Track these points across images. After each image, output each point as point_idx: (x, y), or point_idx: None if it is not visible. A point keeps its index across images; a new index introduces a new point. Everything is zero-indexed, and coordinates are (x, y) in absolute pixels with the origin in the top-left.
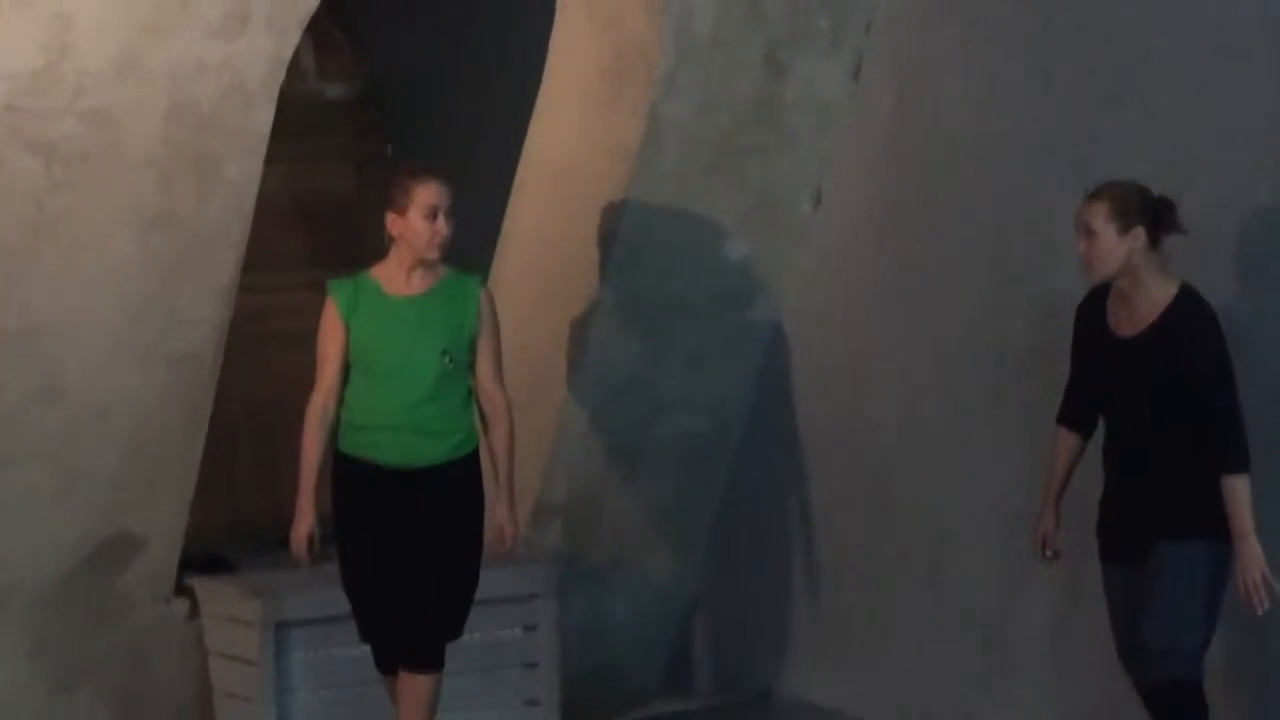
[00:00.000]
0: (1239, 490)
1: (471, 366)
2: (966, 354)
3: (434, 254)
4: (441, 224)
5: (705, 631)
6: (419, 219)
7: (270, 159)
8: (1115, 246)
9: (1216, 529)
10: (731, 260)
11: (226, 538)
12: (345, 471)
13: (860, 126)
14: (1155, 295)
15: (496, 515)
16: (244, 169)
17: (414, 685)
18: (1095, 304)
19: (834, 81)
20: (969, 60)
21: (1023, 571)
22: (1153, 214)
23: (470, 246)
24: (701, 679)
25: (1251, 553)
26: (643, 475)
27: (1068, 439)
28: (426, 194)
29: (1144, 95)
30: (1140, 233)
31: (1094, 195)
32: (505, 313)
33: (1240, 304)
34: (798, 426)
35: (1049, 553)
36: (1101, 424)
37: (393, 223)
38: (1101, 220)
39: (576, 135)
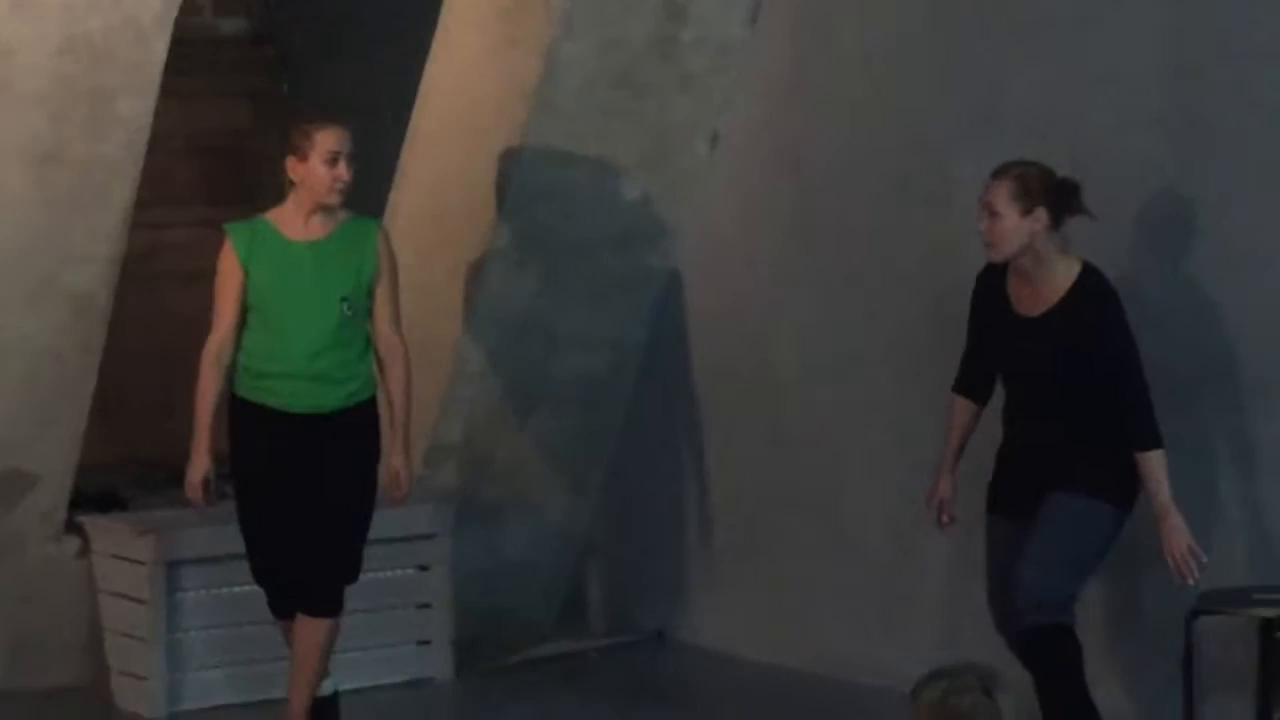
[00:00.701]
0: (1155, 465)
1: (369, 312)
2: (864, 296)
3: (335, 199)
4: (342, 169)
5: (600, 572)
6: (320, 164)
7: (164, 95)
8: (1017, 227)
9: (1112, 493)
10: (629, 201)
11: (119, 475)
12: (242, 416)
13: (758, 68)
14: (1057, 275)
15: (391, 461)
16: (137, 105)
17: (311, 630)
18: (995, 278)
19: (731, 23)
20: (867, 2)
21: (919, 514)
22: (1056, 196)
23: (366, 186)
24: (596, 619)
25: (1175, 526)
26: (539, 415)
27: (964, 407)
28: (327, 139)
29: (1044, 35)
30: (1043, 215)
31: (998, 175)
32: (402, 253)
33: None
34: (694, 367)
35: (945, 518)
36: (1002, 387)
37: (293, 168)
38: (1004, 201)
39: (474, 75)
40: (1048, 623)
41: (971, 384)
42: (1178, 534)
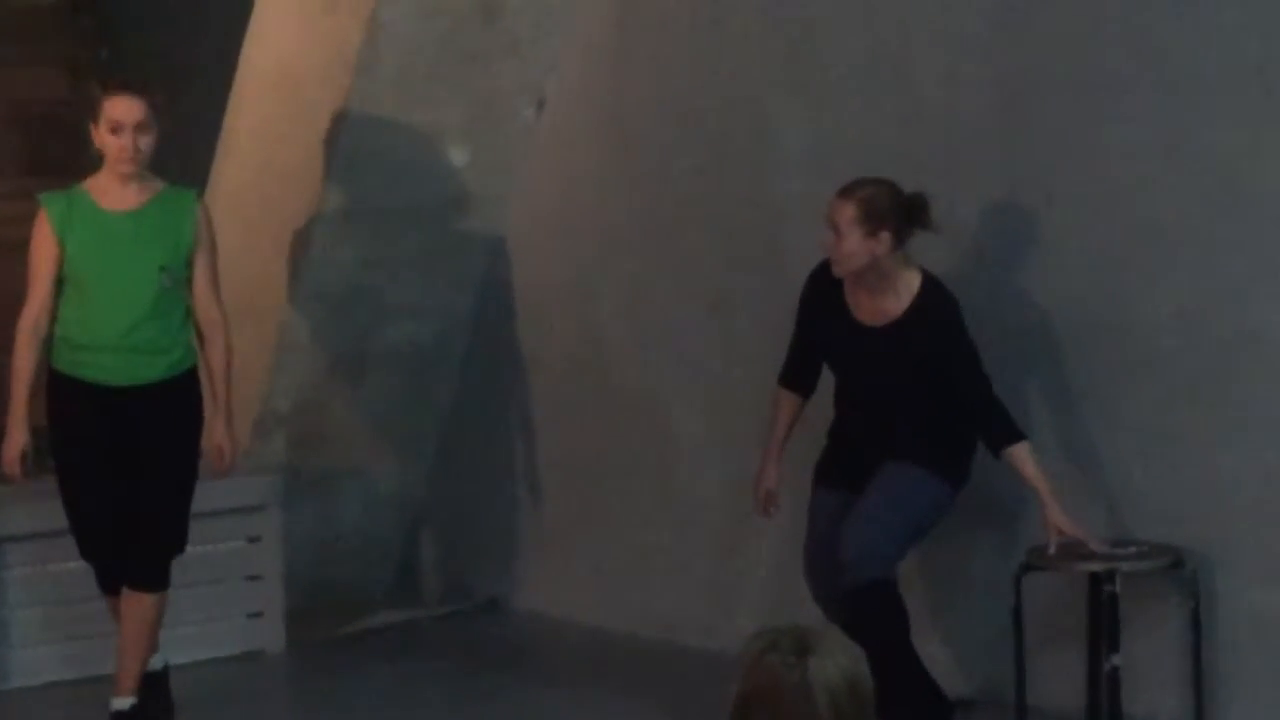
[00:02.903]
0: (1025, 458)
1: (189, 282)
2: (688, 259)
3: (126, 168)
4: (128, 140)
5: (433, 541)
6: (106, 133)
7: None
8: (859, 248)
9: (944, 467)
10: (455, 167)
11: None
12: (61, 390)
13: (583, 31)
14: (899, 288)
15: (214, 433)
16: None
17: (138, 604)
18: (831, 281)
19: None
20: None
21: (752, 477)
22: (903, 215)
23: (189, 153)
24: (429, 589)
25: (1058, 516)
26: (368, 384)
27: (789, 399)
28: (111, 108)
29: None
30: (887, 237)
31: (844, 194)
32: (225, 222)
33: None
34: (522, 334)
35: (771, 509)
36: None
37: (94, 135)
38: (848, 222)
39: (296, 41)
40: (869, 579)
41: (798, 378)
42: (1063, 523)
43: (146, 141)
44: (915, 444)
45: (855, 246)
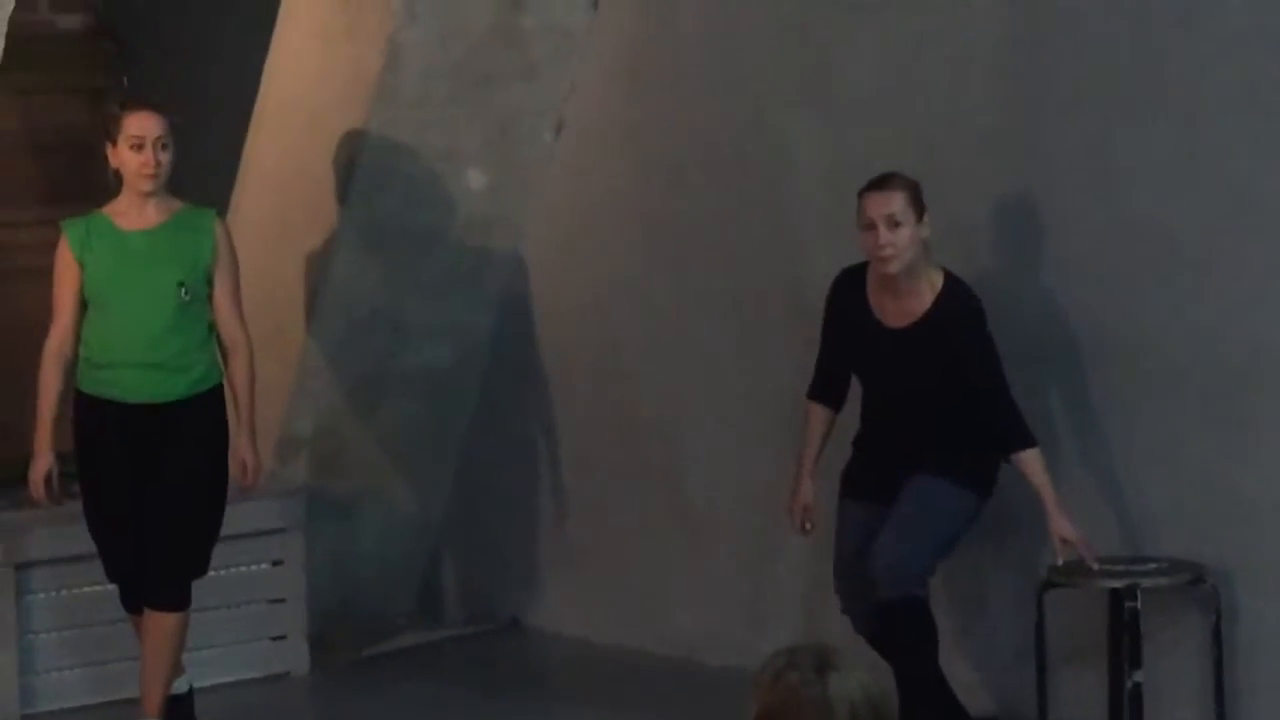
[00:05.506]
0: (1034, 464)
1: (210, 300)
2: (706, 278)
3: (146, 186)
4: (150, 155)
5: (454, 562)
6: (126, 150)
7: (1, 93)
8: (914, 235)
9: (971, 479)
10: (473, 190)
11: None
12: (86, 410)
13: (600, 54)
14: (924, 287)
15: (239, 450)
16: None
17: (159, 624)
18: (853, 287)
19: (573, 8)
20: None
21: (774, 495)
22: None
23: (210, 179)
24: (451, 610)
25: (1063, 525)
26: (388, 406)
27: (819, 412)
28: (131, 124)
29: (878, 9)
30: (928, 223)
31: (882, 187)
32: (246, 245)
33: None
34: (541, 354)
35: (807, 525)
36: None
37: (111, 155)
38: (902, 209)
39: (316, 65)
40: (901, 595)
41: (827, 390)
42: (1066, 531)
43: (167, 158)
44: (942, 455)
45: (912, 234)
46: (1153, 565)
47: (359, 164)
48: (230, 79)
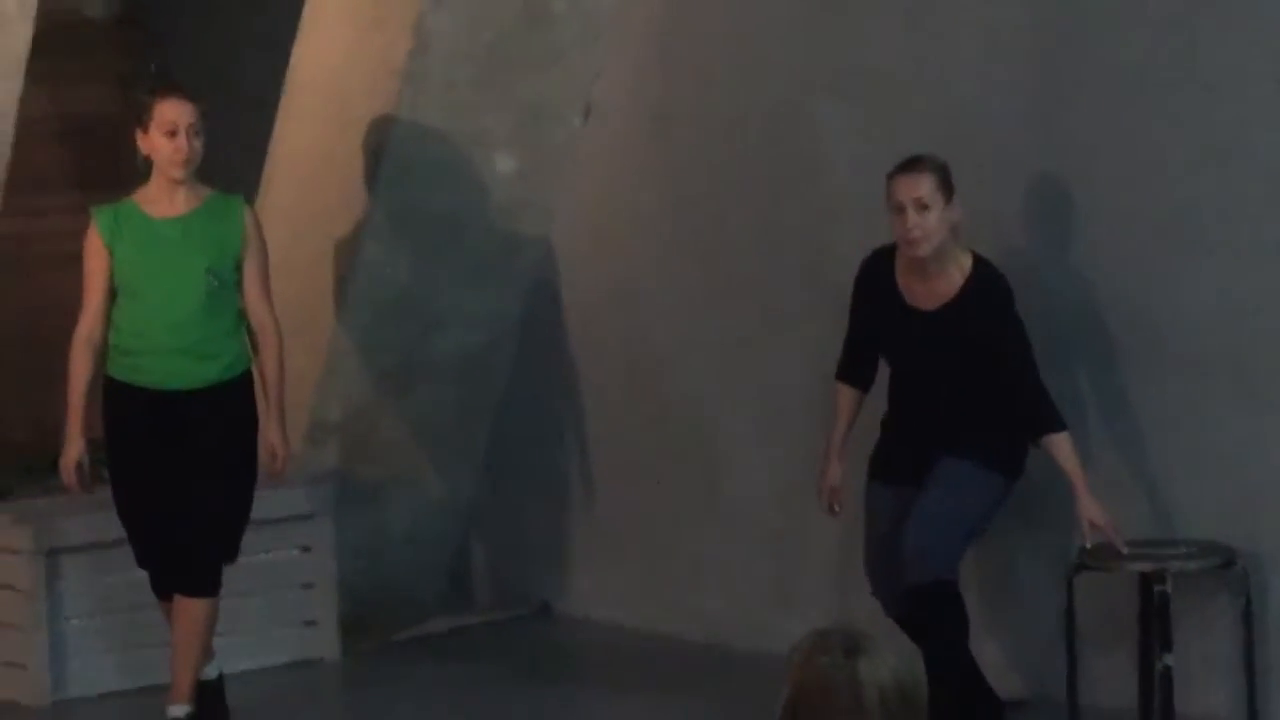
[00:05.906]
0: (1062, 447)
1: (238, 285)
2: (737, 263)
3: (178, 172)
4: (183, 141)
5: (484, 547)
6: (159, 136)
7: (31, 80)
8: (943, 218)
9: (1000, 461)
10: (502, 175)
11: None
12: (115, 396)
13: (629, 38)
14: (952, 269)
15: (268, 436)
16: (3, 90)
17: (189, 610)
18: (882, 268)
19: None
20: None
21: (803, 479)
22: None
23: (238, 166)
24: (481, 594)
25: (1089, 510)
26: (418, 392)
27: (848, 393)
28: (164, 111)
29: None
30: (957, 204)
31: (911, 170)
32: (275, 232)
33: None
34: (571, 340)
35: (836, 506)
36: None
37: (142, 142)
38: (931, 192)
39: (344, 50)
40: (932, 579)
41: (856, 371)
42: (1095, 515)
43: (199, 145)
44: (971, 438)
45: (940, 217)
46: (1183, 548)
47: (387, 150)
48: (258, 65)
